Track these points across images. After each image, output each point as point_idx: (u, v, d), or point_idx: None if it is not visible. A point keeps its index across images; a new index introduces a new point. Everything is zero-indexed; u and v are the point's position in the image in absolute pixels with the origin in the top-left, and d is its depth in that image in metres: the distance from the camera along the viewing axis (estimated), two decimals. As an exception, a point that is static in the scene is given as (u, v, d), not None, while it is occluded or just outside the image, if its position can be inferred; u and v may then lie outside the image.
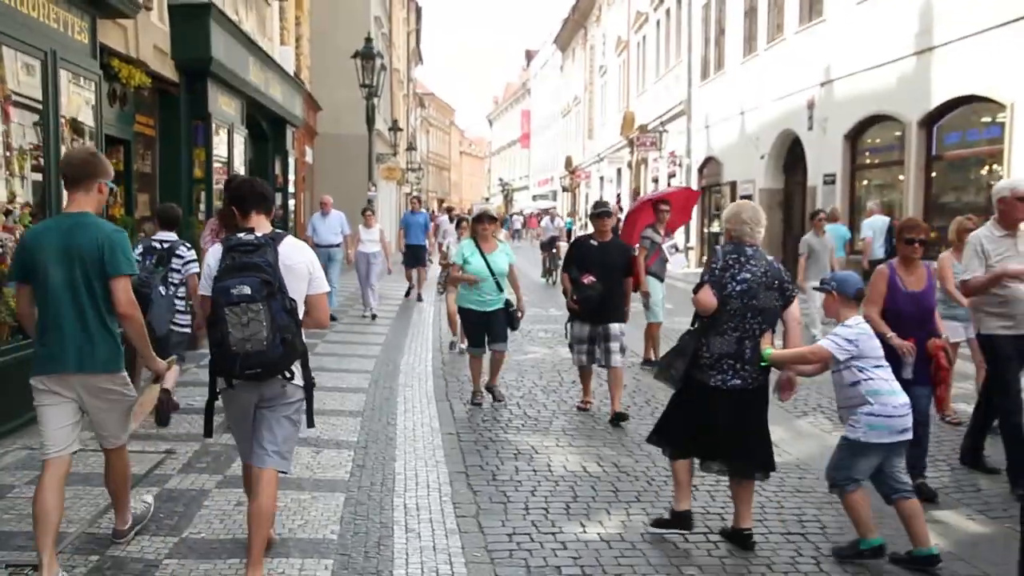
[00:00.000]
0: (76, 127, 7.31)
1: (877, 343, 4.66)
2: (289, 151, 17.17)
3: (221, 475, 5.54)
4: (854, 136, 17.16)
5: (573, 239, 8.41)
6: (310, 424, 4.09)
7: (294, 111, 16.78)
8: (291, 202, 17.04)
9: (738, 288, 4.56)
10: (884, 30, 15.68)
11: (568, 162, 53.84)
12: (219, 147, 11.75)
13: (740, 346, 4.59)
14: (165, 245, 6.86)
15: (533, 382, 9.14)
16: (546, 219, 26.11)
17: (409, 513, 5.07)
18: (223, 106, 11.75)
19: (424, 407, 7.81)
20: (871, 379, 4.52)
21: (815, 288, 5.62)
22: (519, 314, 8.07)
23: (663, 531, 4.92)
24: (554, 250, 21.98)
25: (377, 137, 21.61)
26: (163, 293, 6.62)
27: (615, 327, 7.55)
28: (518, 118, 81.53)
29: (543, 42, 70.68)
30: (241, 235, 3.85)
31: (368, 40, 16.99)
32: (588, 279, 7.40)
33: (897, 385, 4.58)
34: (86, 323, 3.98)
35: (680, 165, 27.98)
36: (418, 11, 48.47)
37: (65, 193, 4.14)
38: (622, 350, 7.61)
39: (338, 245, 13.15)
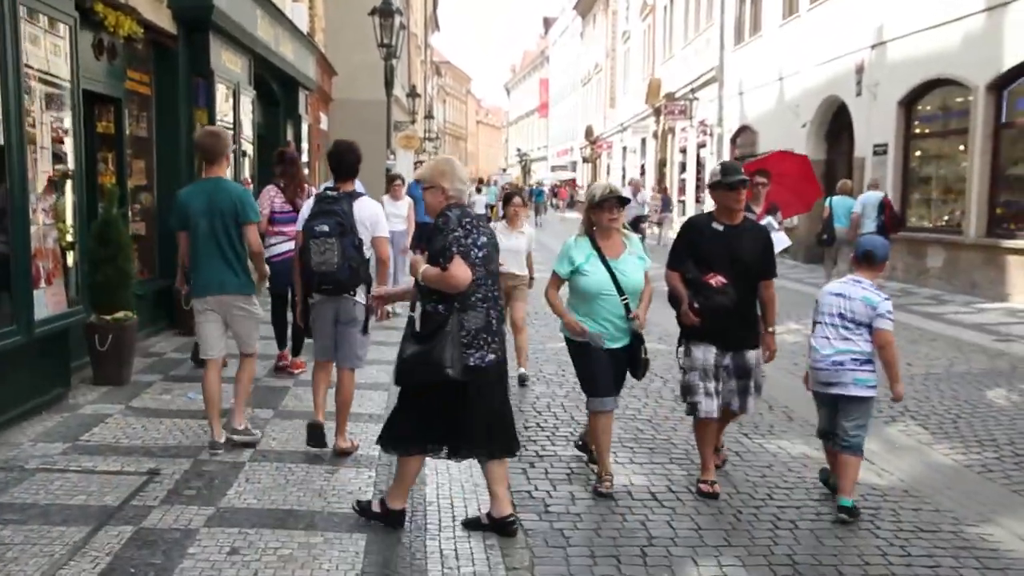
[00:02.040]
0: (46, 81, 6.19)
1: (828, 300, 4.94)
2: (302, 116, 16.04)
3: (213, 507, 4.47)
4: (909, 102, 15.87)
5: (687, 221, 5.59)
6: (364, 332, 5.37)
7: (307, 72, 15.63)
8: (305, 171, 15.90)
9: (480, 254, 4.18)
10: (946, -14, 14.38)
11: (588, 132, 52.47)
12: (224, 109, 10.64)
13: (488, 317, 4.22)
14: None
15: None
16: (627, 191, 18.54)
17: (447, 563, 4.02)
18: (227, 63, 10.62)
19: (455, 408, 6.76)
20: (813, 335, 5.01)
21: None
22: (645, 357, 5.17)
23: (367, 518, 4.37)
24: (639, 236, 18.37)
25: (395, 103, 20.49)
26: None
27: (752, 355, 5.14)
28: (536, 87, 79.89)
29: (562, 8, 69.02)
30: (326, 191, 5.32)
31: (386, -5, 15.80)
32: (716, 280, 4.98)
33: (824, 342, 4.87)
34: (225, 259, 5.33)
35: (711, 135, 26.69)
36: (436, -26, 46.97)
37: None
38: (758, 389, 5.23)
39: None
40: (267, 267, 5.96)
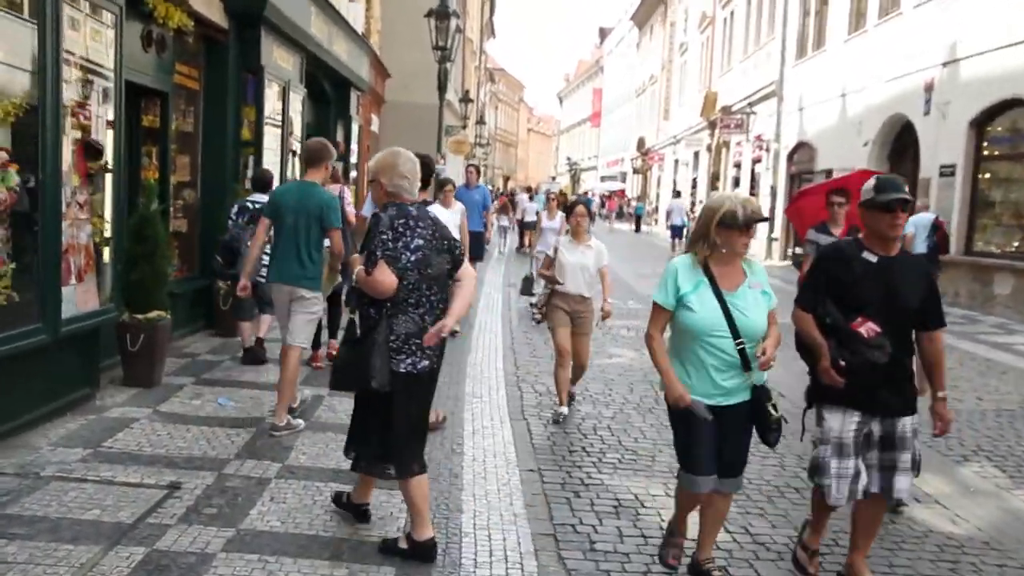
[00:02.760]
0: (88, 69, 5.98)
1: None
2: (353, 117, 15.84)
3: (233, 529, 4.16)
4: (981, 123, 15.21)
5: (826, 246, 4.96)
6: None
7: (360, 73, 15.43)
8: (353, 173, 15.71)
9: (413, 258, 3.91)
10: (1025, 3, 13.74)
11: (640, 143, 51.87)
12: (272, 106, 10.43)
13: (423, 322, 3.95)
14: (257, 205, 7.56)
15: (623, 397, 7.66)
16: (674, 203, 14.85)
17: (482, 605, 3.66)
18: (279, 60, 10.41)
19: (496, 428, 6.39)
20: None
21: None
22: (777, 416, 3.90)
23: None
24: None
25: (447, 108, 20.27)
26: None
27: (909, 423, 3.97)
28: (589, 96, 79.40)
29: (618, 19, 68.55)
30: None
31: (444, -3, 15.55)
32: (868, 328, 3.81)
33: None
34: (299, 255, 5.77)
35: (767, 150, 26.06)
36: (493, -20, 46.83)
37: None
38: (915, 466, 4.01)
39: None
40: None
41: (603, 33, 79.96)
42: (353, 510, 4.42)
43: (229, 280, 7.70)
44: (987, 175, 15.49)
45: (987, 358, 10.36)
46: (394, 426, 3.94)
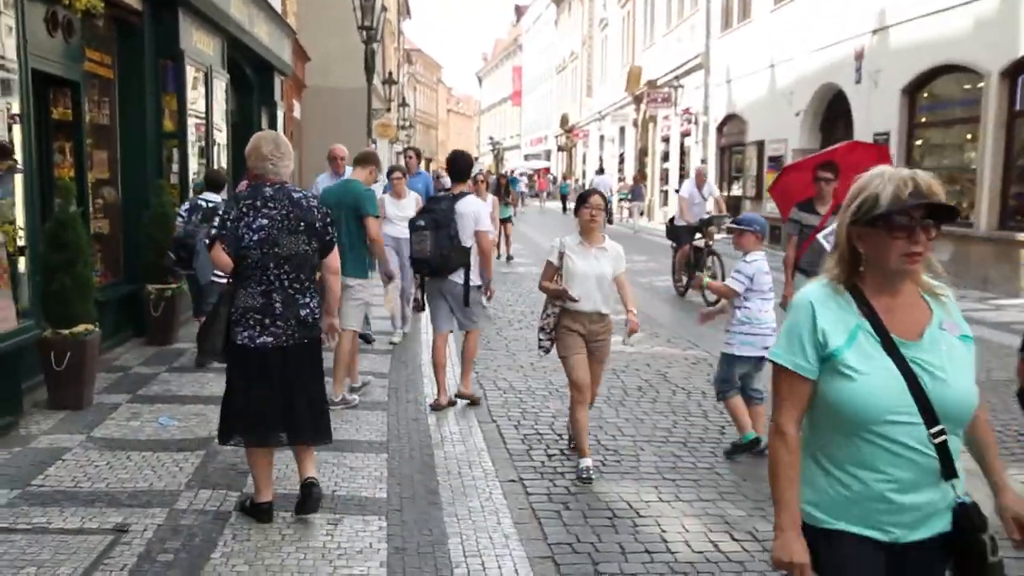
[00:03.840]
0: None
1: (769, 278, 5.57)
2: (277, 103, 15.08)
3: (195, 578, 3.65)
4: (913, 90, 15.23)
5: None
6: (465, 303, 6.33)
7: (283, 56, 14.67)
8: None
9: (255, 237, 4.05)
10: (956, -32, 13.73)
11: (564, 120, 51.61)
12: (194, 95, 9.72)
13: (268, 299, 4.09)
14: (210, 204, 7.66)
15: (622, 393, 7.26)
16: (688, 184, 13.13)
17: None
18: (199, 44, 9.69)
19: (465, 433, 5.94)
20: (749, 307, 5.52)
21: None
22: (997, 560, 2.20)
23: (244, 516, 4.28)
24: (706, 241, 12.15)
25: (372, 91, 19.57)
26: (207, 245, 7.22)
27: None
28: (509, 75, 78.82)
29: (534, -4, 68.09)
30: (440, 193, 6.76)
31: (367, -26, 14.87)
32: None
33: (769, 314, 5.54)
34: (342, 245, 5.49)
35: (696, 123, 25.99)
36: (408, -41, 45.82)
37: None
38: None
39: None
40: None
41: (519, 11, 79.35)
42: (303, 497, 4.30)
43: (184, 277, 8.00)
44: (919, 141, 15.56)
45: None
46: (261, 395, 4.16)
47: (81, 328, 5.96)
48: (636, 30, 34.42)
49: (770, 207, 15.47)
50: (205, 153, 10.22)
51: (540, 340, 5.41)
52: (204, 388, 6.79)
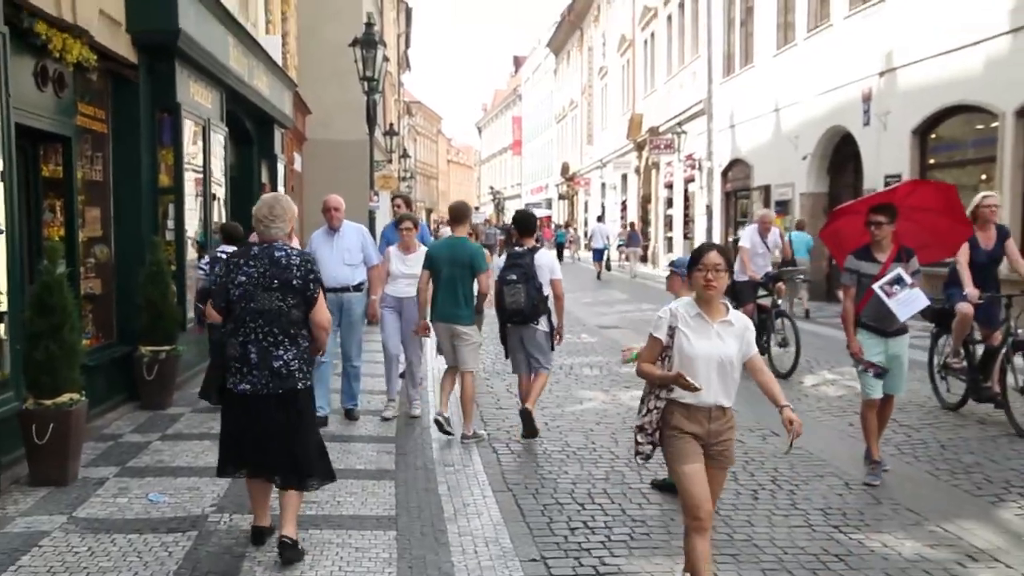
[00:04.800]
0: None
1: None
2: (278, 156, 14.82)
3: None
4: (924, 131, 15.00)
5: None
6: (552, 347, 7.28)
7: (283, 108, 14.43)
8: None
9: (236, 293, 4.44)
10: (962, 9, 13.57)
11: (565, 168, 51.64)
12: (192, 149, 9.42)
13: (244, 350, 4.42)
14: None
15: (610, 451, 6.84)
16: (750, 232, 11.19)
17: None
18: (196, 96, 9.42)
19: (480, 504, 5.49)
20: None
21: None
22: None
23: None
24: (774, 299, 10.52)
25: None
26: None
27: None
28: (509, 125, 79.25)
29: (532, 48, 68.70)
30: (516, 248, 7.30)
31: (369, 25, 14.68)
32: None
33: None
34: (456, 298, 6.96)
35: (700, 168, 25.80)
36: (407, 12, 46.13)
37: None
38: None
39: (359, 286, 7.63)
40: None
41: (518, 62, 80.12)
42: (279, 546, 4.47)
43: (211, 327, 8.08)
44: (932, 183, 15.27)
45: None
46: (243, 438, 4.51)
47: (65, 398, 5.54)
48: (636, 77, 34.47)
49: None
50: (204, 208, 9.90)
51: (638, 444, 4.08)
52: (199, 458, 6.35)
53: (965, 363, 7.88)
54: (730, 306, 3.98)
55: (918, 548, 4.85)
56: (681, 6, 28.03)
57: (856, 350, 6.10)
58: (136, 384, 7.91)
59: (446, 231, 18.74)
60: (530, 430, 7.00)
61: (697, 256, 3.95)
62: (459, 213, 7.32)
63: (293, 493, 4.49)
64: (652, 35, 32.02)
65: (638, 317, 16.10)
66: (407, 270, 7.68)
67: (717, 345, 3.89)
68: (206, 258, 8.51)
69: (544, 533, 5.07)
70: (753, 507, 5.54)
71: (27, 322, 5.57)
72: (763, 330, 10.20)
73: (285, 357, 4.40)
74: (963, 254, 7.36)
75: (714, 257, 3.88)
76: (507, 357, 7.46)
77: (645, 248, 32.83)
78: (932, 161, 15.12)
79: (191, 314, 9.10)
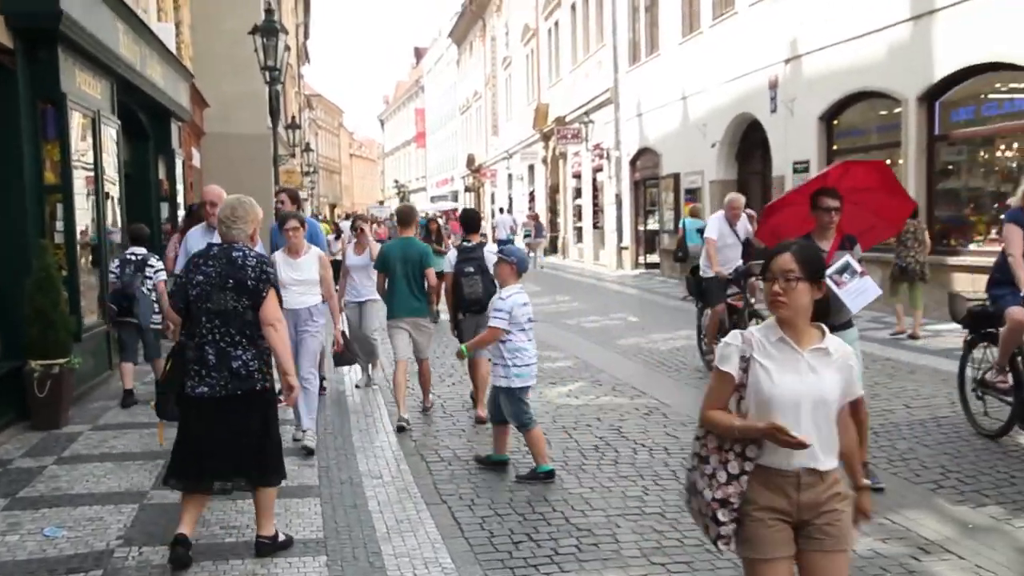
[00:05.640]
0: None
1: (528, 310, 5.97)
2: (176, 151, 14.01)
3: None
4: (830, 117, 15.22)
5: None
6: None
7: (180, 100, 13.63)
8: (181, 213, 13.80)
9: (194, 292, 4.46)
10: (864, -4, 13.77)
11: (470, 160, 51.24)
12: (82, 146, 8.71)
13: (202, 352, 4.42)
14: (139, 257, 8.41)
15: (579, 455, 6.55)
16: (716, 221, 9.77)
17: None
18: (83, 86, 8.69)
19: (414, 519, 5.12)
20: (513, 339, 5.88)
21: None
22: None
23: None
24: (747, 298, 9.31)
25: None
26: (145, 293, 8.28)
27: None
28: (412, 117, 78.32)
29: (433, 39, 67.96)
30: (465, 243, 7.67)
31: (269, 12, 14.00)
32: None
33: (532, 343, 6.00)
34: (411, 292, 7.49)
35: (608, 158, 25.80)
36: (306, 2, 44.97)
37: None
38: None
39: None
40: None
41: (419, 53, 79.24)
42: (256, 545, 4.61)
43: (121, 327, 8.42)
44: (838, 168, 15.48)
45: (887, 357, 9.95)
46: (200, 442, 4.46)
47: (-57, 424, 4.95)
48: (541, 67, 34.32)
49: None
50: (97, 208, 9.19)
51: (719, 525, 2.86)
52: (100, 483, 5.79)
53: (1012, 381, 6.39)
54: (825, 329, 2.94)
55: (871, 543, 4.70)
56: (585, -5, 27.97)
57: None
58: (26, 402, 7.23)
59: (346, 225, 17.87)
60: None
61: (769, 261, 2.92)
62: (406, 216, 7.97)
63: (266, 491, 4.56)
64: (556, 24, 31.91)
65: (554, 310, 15.90)
66: (298, 276, 6.70)
67: (810, 381, 2.81)
68: (115, 261, 8.58)
69: (486, 549, 4.73)
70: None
71: None
72: None
73: (244, 357, 4.40)
74: (1016, 244, 6.18)
75: (786, 261, 2.84)
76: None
77: (554, 239, 32.79)
78: (837, 147, 15.34)
79: (87, 321, 8.51)
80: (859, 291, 5.17)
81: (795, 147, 15.91)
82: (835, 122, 15.26)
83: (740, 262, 9.35)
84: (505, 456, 6.15)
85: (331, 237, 16.84)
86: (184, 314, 4.52)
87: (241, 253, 4.48)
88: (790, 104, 16.00)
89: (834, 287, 5.11)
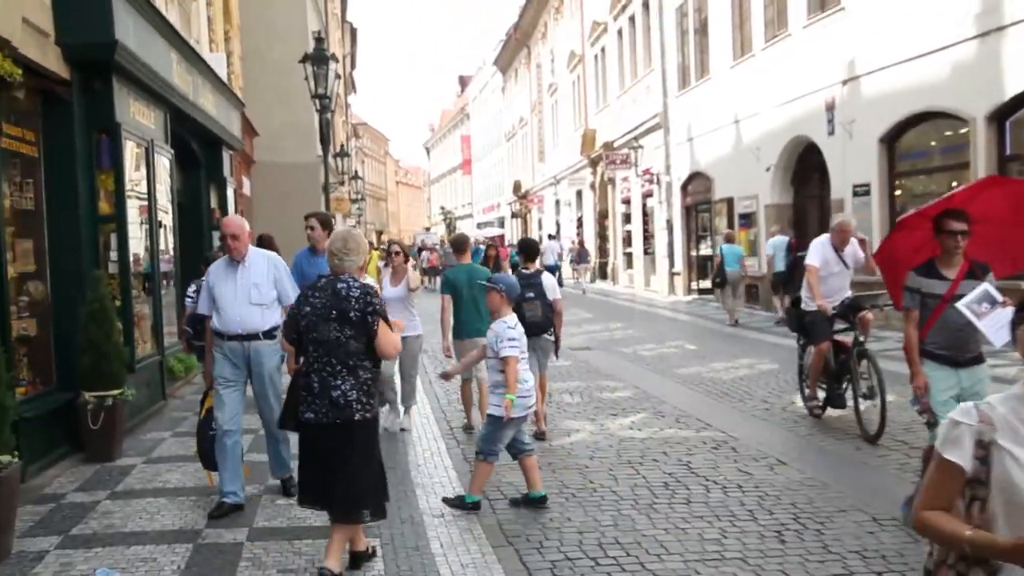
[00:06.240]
0: None
1: (525, 340, 5.99)
2: (227, 179, 14.02)
3: None
4: (891, 139, 14.75)
5: None
6: (556, 355, 8.35)
7: (232, 129, 13.66)
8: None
9: (303, 323, 4.58)
10: (925, 15, 13.35)
11: (517, 187, 51.17)
12: (135, 175, 8.66)
13: (308, 379, 4.55)
14: None
15: (611, 490, 6.23)
16: (819, 246, 8.30)
17: None
18: (137, 116, 8.66)
19: (482, 565, 4.84)
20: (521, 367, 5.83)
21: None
22: None
23: None
24: (856, 335, 7.97)
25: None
26: None
27: None
28: (457, 144, 78.72)
29: (478, 67, 68.42)
30: (523, 271, 8.13)
31: (319, 40, 13.99)
32: None
33: (528, 374, 5.99)
34: (480, 314, 7.69)
35: (658, 183, 25.46)
36: (353, 33, 45.46)
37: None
38: None
39: (270, 332, 6.00)
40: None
41: (463, 81, 79.82)
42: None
43: (199, 350, 8.45)
44: (899, 192, 15.02)
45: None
46: (308, 465, 4.69)
47: (-6, 463, 4.79)
48: (588, 93, 34.17)
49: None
50: (151, 237, 9.13)
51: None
52: (154, 520, 5.61)
53: None
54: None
55: None
56: (632, 20, 27.79)
57: (920, 385, 5.33)
58: (80, 434, 7.10)
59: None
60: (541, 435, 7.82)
61: None
62: (461, 244, 8.65)
63: (343, 526, 4.56)
64: (602, 50, 31.76)
65: (608, 337, 15.58)
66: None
67: None
68: (192, 287, 8.80)
69: (558, 599, 4.43)
70: (783, 552, 4.97)
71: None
72: (843, 376, 8.06)
73: (343, 387, 4.47)
74: None
75: None
76: None
77: (603, 265, 32.44)
78: (899, 169, 14.88)
79: (140, 352, 8.44)
80: (1002, 323, 4.55)
81: (854, 170, 15.46)
82: (896, 144, 14.80)
83: (849, 293, 8.18)
84: (541, 493, 5.94)
85: (381, 264, 16.65)
86: (297, 344, 4.66)
87: (345, 284, 4.54)
88: (848, 126, 15.57)
89: (973, 318, 4.66)
